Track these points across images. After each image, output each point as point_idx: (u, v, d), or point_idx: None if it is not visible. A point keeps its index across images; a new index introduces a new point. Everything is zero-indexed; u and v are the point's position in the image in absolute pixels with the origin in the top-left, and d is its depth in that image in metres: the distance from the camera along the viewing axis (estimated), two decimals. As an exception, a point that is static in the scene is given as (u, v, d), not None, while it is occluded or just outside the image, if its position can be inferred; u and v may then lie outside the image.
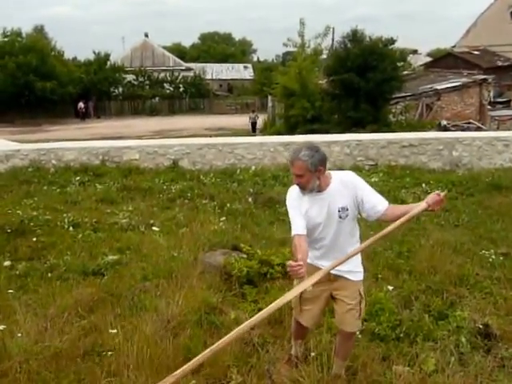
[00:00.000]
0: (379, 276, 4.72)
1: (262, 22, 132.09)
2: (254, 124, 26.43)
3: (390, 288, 4.34)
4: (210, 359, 3.15)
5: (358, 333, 3.28)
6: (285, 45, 22.19)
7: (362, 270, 3.04)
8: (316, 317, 3.12)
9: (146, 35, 49.82)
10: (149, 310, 3.87)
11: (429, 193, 8.69)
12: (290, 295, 2.61)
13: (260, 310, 4.06)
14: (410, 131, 14.21)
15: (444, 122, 18.20)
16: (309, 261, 2.87)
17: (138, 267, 4.89)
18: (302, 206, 2.83)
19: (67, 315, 3.72)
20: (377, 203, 2.83)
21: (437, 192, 2.75)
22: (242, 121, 28.71)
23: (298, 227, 2.76)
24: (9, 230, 5.92)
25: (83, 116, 35.65)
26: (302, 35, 21.36)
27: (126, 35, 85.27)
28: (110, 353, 3.17)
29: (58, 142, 13.43)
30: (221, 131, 27.37)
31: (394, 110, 18.64)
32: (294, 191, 2.90)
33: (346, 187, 2.84)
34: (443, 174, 9.75)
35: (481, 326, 3.71)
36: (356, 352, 3.38)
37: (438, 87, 19.80)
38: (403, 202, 7.73)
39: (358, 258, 3.02)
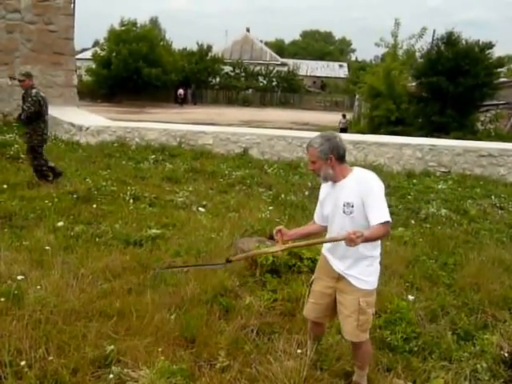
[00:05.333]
0: (407, 284, 4.35)
1: (363, 22, 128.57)
2: (343, 130, 21.56)
3: (411, 298, 3.97)
4: (205, 338, 3.11)
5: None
6: (377, 45, 21.30)
7: (370, 280, 2.76)
8: (318, 311, 2.93)
9: (248, 30, 50.69)
10: (168, 284, 3.90)
11: (497, 206, 7.93)
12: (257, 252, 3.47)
13: (276, 300, 3.97)
14: (497, 141, 13.01)
15: (539, 135, 16.40)
16: (322, 249, 2.99)
17: (175, 243, 4.95)
18: (321, 196, 2.89)
19: (93, 277, 3.86)
20: (371, 215, 2.57)
21: (353, 231, 2.42)
22: (329, 118, 28.07)
23: (315, 215, 3.00)
24: (75, 196, 6.30)
25: (181, 102, 37.15)
26: (395, 36, 20.40)
27: (230, 29, 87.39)
28: (115, 318, 3.23)
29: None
30: (306, 126, 27.03)
31: (482, 118, 17.17)
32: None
33: (359, 185, 2.65)
34: (520, 189, 8.79)
35: (506, 354, 3.26)
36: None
37: (538, 97, 17.85)
38: (466, 213, 7.14)
39: (372, 267, 2.78)
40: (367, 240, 2.50)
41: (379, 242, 2.80)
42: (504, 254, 5.48)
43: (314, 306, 2.94)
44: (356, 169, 2.77)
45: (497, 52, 18.41)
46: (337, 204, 2.71)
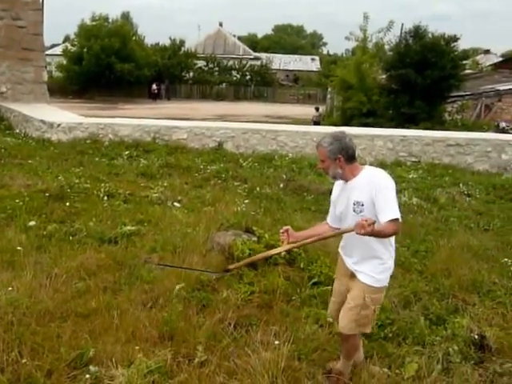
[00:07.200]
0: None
1: (334, 16, 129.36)
2: (316, 123, 21.89)
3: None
4: (183, 334, 3.07)
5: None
6: (347, 38, 21.41)
7: (381, 277, 2.74)
8: (334, 308, 3.00)
9: (221, 24, 50.27)
10: (144, 280, 3.83)
11: (465, 193, 8.07)
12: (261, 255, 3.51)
13: (253, 292, 3.95)
14: (463, 131, 13.29)
15: (503, 124, 16.83)
16: (339, 248, 2.96)
17: (151, 239, 4.87)
18: (334, 195, 2.88)
19: (67, 276, 3.76)
20: (380, 211, 2.54)
21: (366, 218, 2.42)
22: (303, 111, 28.14)
23: (329, 216, 2.95)
24: (47, 194, 6.12)
25: (155, 97, 36.56)
26: (364, 29, 20.53)
27: (203, 23, 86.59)
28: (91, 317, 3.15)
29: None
30: (281, 119, 27.01)
31: (449, 109, 17.51)
32: None
33: (369, 184, 2.62)
34: (486, 177, 9.02)
35: (476, 337, 3.33)
36: (335, 346, 3.16)
37: (501, 88, 18.32)
38: (435, 201, 7.28)
39: (386, 265, 2.75)
40: (375, 234, 2.44)
41: (392, 242, 2.75)
42: (472, 239, 5.60)
43: (332, 303, 3.03)
44: (367, 167, 2.75)
45: (461, 45, 18.82)
46: (348, 203, 2.69)
